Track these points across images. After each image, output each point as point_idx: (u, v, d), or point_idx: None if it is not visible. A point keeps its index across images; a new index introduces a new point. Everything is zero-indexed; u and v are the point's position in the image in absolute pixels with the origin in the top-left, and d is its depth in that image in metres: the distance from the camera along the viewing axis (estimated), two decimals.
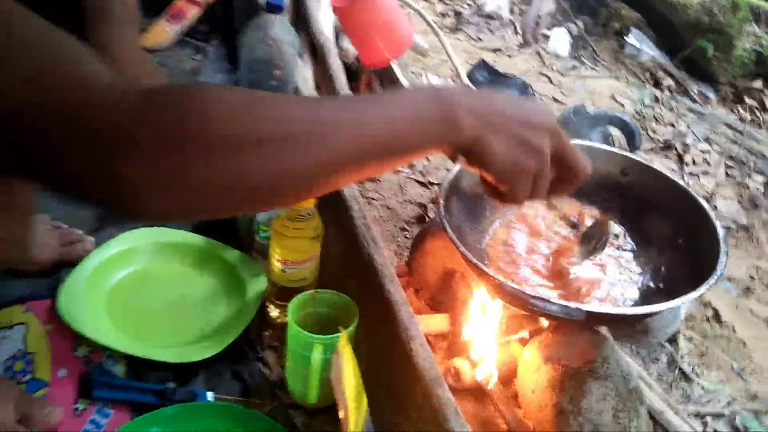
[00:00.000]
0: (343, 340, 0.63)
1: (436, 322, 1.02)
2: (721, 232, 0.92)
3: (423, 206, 1.36)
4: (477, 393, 0.94)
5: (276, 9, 1.10)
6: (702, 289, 0.81)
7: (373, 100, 0.53)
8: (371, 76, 1.19)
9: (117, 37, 0.78)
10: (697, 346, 1.19)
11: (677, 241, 1.01)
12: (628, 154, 1.09)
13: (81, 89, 0.42)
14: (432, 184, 1.48)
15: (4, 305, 0.88)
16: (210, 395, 0.83)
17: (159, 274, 1.00)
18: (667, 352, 1.09)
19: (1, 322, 0.85)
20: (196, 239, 1.06)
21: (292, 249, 0.89)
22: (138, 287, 0.97)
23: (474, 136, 0.52)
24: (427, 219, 1.30)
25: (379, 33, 0.99)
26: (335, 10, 1.01)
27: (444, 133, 0.52)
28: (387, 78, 1.70)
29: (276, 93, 0.52)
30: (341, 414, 0.56)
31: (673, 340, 1.13)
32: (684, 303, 0.80)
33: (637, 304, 0.98)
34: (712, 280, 0.83)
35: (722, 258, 0.88)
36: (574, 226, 0.92)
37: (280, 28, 1.09)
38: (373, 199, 1.34)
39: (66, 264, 0.95)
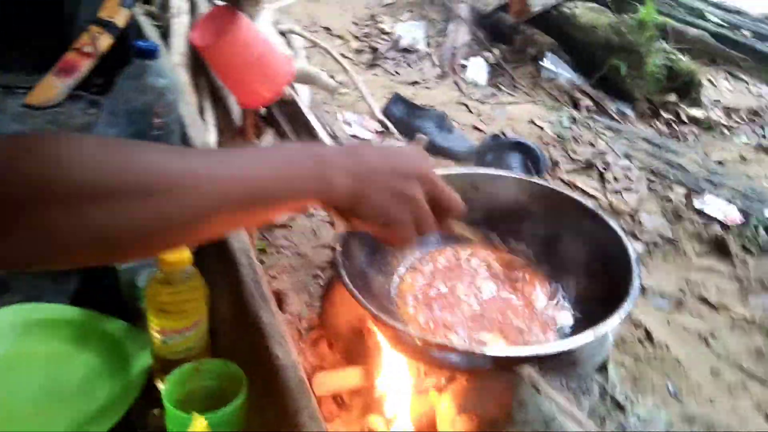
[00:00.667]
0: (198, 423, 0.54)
1: (348, 377, 0.94)
2: (632, 253, 0.88)
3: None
4: None
5: (148, 54, 1.02)
6: (615, 320, 0.76)
7: (245, 153, 0.51)
8: (256, 118, 1.12)
9: None
10: (630, 371, 1.15)
11: (593, 266, 0.97)
12: (532, 179, 1.05)
13: None
14: None
15: None
16: None
17: (28, 358, 0.88)
18: (599, 382, 1.04)
19: None
20: (72, 312, 0.94)
21: (170, 317, 0.80)
22: (1, 378, 0.85)
23: (347, 194, 0.53)
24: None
25: (253, 71, 0.92)
26: (200, 50, 0.94)
27: (317, 191, 0.52)
28: (296, 120, 1.64)
29: (142, 141, 0.48)
30: None
31: (603, 368, 1.08)
32: (596, 336, 0.75)
33: (567, 335, 0.93)
34: (625, 307, 0.78)
35: (635, 283, 0.83)
36: None
37: (154, 74, 1.01)
38: (282, 247, 1.26)
39: None
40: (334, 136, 1.64)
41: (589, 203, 0.99)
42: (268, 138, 1.60)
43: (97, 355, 0.90)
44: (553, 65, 2.79)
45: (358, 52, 2.65)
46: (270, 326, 0.75)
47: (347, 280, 0.81)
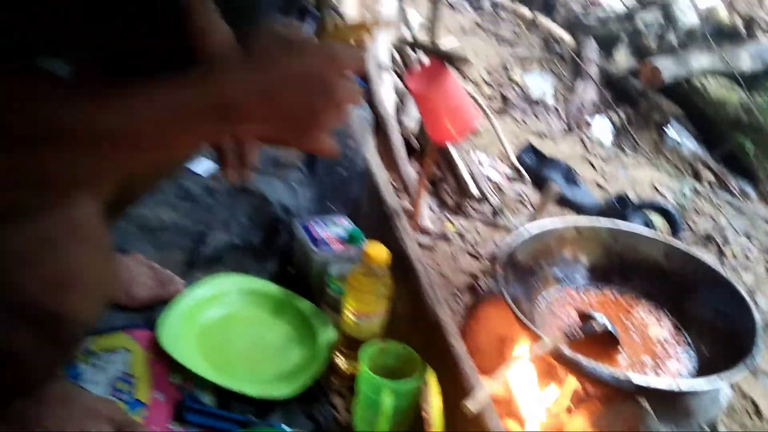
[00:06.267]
0: (431, 376, 0.72)
1: (489, 386, 1.10)
2: (759, 322, 0.99)
3: (474, 276, 1.46)
4: None
5: None
6: (738, 374, 0.88)
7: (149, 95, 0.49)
8: (437, 154, 1.33)
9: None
10: None
11: (716, 324, 1.08)
12: (671, 240, 1.18)
13: None
14: (481, 256, 1.58)
15: (107, 332, 0.99)
16: (288, 430, 0.91)
17: (242, 317, 1.11)
18: None
19: (106, 346, 0.96)
20: (273, 288, 1.17)
21: (365, 302, 1.00)
22: (224, 327, 1.07)
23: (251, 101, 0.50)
24: (478, 288, 1.39)
25: (449, 116, 1.13)
26: (412, 93, 1.16)
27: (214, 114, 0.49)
28: (443, 157, 1.84)
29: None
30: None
31: (713, 428, 1.17)
32: (723, 385, 0.87)
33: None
34: (744, 366, 0.90)
35: (757, 348, 0.95)
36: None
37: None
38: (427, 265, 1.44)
39: (159, 302, 1.07)
40: (472, 175, 1.82)
41: (722, 270, 1.11)
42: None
43: (291, 326, 1.12)
44: (678, 134, 2.86)
45: (490, 98, 2.84)
46: (446, 322, 0.93)
47: (509, 300, 0.97)
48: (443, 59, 1.13)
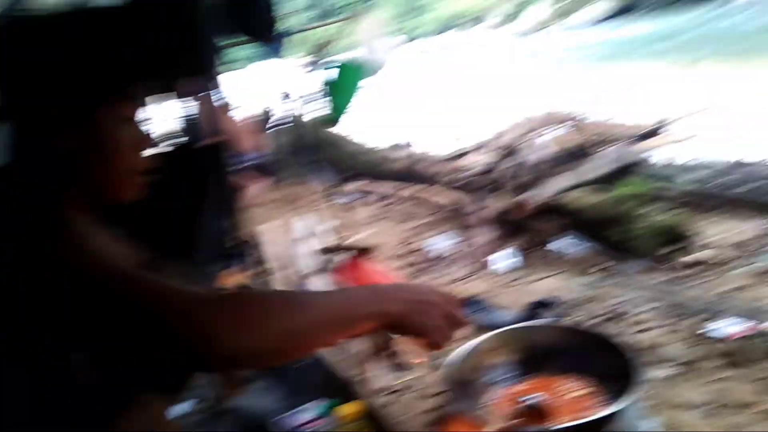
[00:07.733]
0: None
1: None
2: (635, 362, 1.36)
3: (440, 407, 1.75)
4: None
5: None
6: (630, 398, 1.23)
7: (335, 293, 0.83)
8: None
9: None
10: None
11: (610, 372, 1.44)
12: (559, 323, 1.56)
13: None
14: (437, 394, 1.89)
15: None
16: None
17: None
18: None
19: None
20: None
21: None
22: None
23: (398, 314, 0.72)
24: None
25: None
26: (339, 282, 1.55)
27: (378, 313, 0.72)
28: None
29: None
30: None
31: None
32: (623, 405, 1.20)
33: None
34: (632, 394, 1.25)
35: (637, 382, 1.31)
36: None
37: None
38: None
39: None
40: None
41: (603, 332, 1.49)
42: None
43: None
44: (566, 243, 3.41)
45: (406, 266, 3.32)
46: None
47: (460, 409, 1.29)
48: (356, 252, 1.55)
